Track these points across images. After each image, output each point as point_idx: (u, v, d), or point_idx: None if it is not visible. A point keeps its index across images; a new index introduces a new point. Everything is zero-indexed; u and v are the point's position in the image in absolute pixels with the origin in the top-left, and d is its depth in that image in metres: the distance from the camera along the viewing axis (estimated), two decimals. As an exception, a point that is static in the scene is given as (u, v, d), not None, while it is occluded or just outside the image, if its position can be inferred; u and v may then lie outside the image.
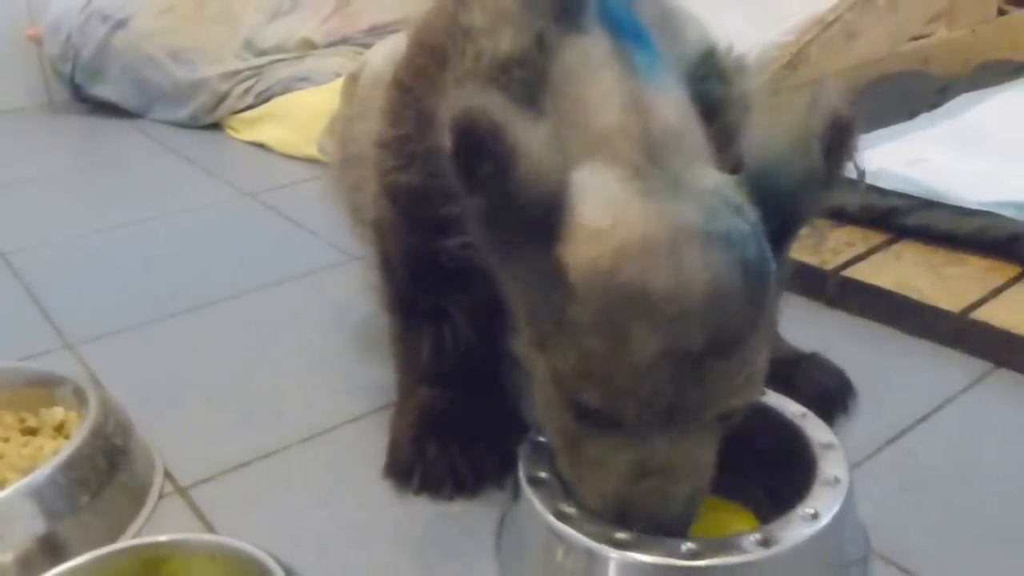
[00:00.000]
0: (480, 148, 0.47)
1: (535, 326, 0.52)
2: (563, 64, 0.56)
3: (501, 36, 0.59)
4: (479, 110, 0.47)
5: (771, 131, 0.52)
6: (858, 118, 0.51)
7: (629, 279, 0.47)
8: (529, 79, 0.57)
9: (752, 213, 0.50)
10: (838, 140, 0.50)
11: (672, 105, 0.55)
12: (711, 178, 0.52)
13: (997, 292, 0.89)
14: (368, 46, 1.67)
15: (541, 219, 0.49)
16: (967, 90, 1.35)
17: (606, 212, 0.49)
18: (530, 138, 0.48)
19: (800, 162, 0.50)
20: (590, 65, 0.55)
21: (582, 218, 0.49)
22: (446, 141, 0.48)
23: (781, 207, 0.51)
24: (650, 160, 0.51)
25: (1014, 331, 0.82)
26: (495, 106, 0.47)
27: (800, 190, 0.51)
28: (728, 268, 0.47)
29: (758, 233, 0.50)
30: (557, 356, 0.50)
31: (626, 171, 0.50)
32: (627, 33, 0.56)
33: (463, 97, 0.48)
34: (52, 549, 0.62)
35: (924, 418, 0.76)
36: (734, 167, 0.53)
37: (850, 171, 0.52)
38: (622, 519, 0.53)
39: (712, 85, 0.62)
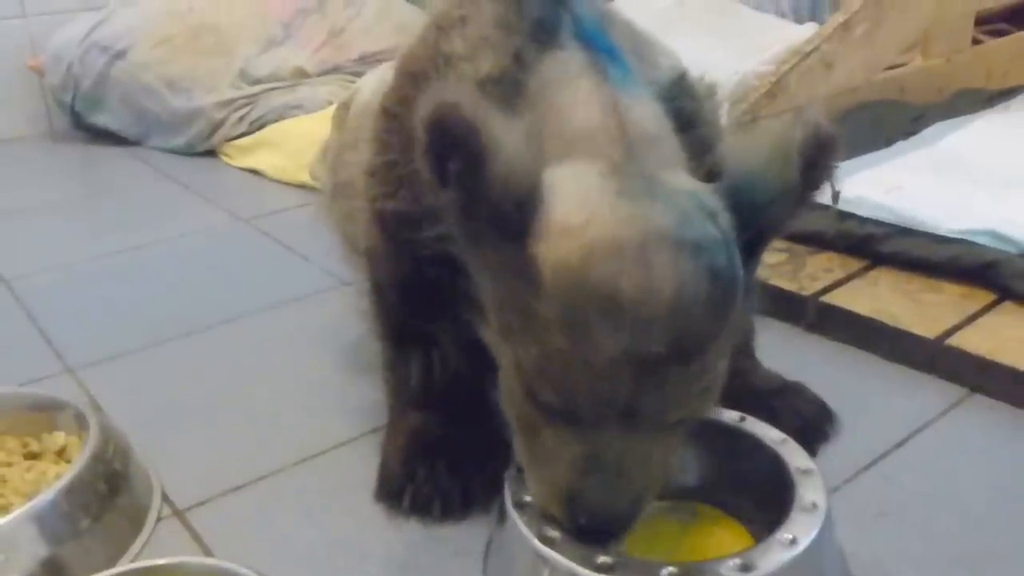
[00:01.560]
0: (451, 146, 0.47)
1: (502, 316, 0.52)
2: (540, 76, 0.57)
3: (481, 60, 0.60)
4: (451, 107, 0.47)
5: (753, 143, 0.53)
6: (840, 138, 0.51)
7: (597, 279, 0.46)
8: (507, 92, 0.57)
9: (726, 220, 0.50)
10: (818, 154, 0.50)
11: (647, 112, 0.56)
12: (687, 182, 0.52)
13: (972, 319, 0.89)
14: (359, 74, 1.70)
15: (513, 215, 0.49)
16: (942, 118, 1.35)
17: (580, 210, 0.48)
18: (504, 135, 0.48)
19: (778, 173, 0.50)
20: (567, 75, 0.56)
21: (556, 214, 0.48)
22: (420, 135, 0.48)
23: (756, 216, 0.51)
24: (628, 157, 0.51)
25: (989, 357, 0.82)
26: (468, 103, 0.47)
27: (776, 201, 0.51)
28: (696, 276, 0.47)
29: (729, 241, 0.49)
30: (520, 349, 0.50)
31: (605, 166, 0.50)
32: (601, 49, 0.57)
33: (438, 93, 0.48)
34: (54, 573, 0.63)
35: (901, 443, 0.77)
36: (707, 176, 0.54)
37: (825, 192, 0.52)
38: (566, 511, 0.53)
39: (684, 102, 0.63)
